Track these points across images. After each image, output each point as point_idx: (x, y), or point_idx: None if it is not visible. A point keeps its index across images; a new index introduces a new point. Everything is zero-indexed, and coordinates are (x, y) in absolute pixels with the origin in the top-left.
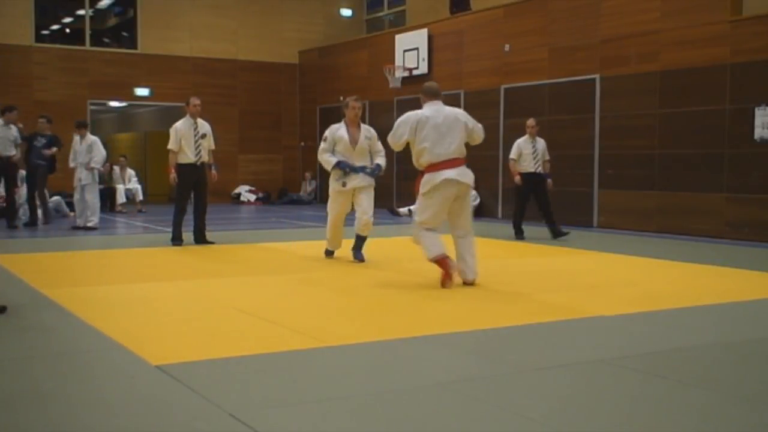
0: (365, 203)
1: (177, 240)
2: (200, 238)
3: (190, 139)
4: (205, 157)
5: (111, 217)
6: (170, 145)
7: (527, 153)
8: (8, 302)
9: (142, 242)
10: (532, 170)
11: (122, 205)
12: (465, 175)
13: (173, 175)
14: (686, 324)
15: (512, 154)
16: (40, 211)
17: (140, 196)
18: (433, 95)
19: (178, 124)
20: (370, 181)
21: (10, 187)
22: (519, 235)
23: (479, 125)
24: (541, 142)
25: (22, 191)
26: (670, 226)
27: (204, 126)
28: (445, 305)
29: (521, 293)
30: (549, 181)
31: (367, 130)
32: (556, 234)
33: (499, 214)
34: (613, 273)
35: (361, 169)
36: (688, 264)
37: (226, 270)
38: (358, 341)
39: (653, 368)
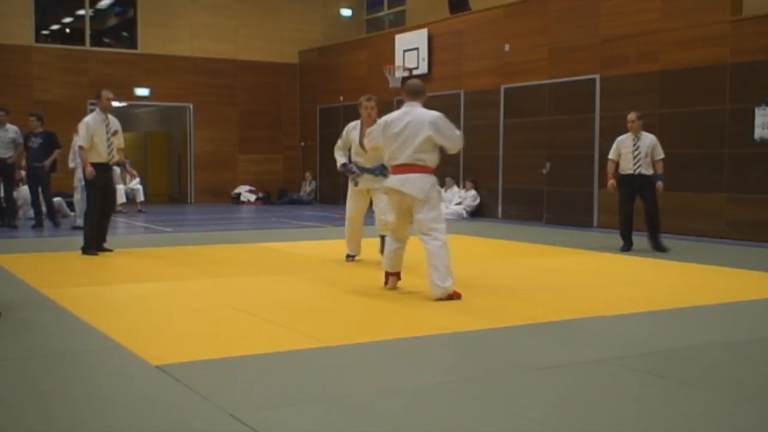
0: (381, 204)
1: (92, 249)
2: (99, 245)
3: (102, 135)
4: (117, 157)
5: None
6: (81, 142)
7: (627, 152)
8: (8, 302)
9: (142, 242)
10: (631, 171)
11: (122, 205)
12: (408, 184)
13: (90, 168)
14: (686, 324)
15: (610, 153)
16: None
17: (141, 197)
18: (412, 95)
19: (88, 119)
20: (382, 182)
21: (8, 188)
22: (625, 246)
23: (456, 133)
24: (646, 139)
25: (23, 192)
26: (670, 226)
27: (115, 122)
28: (445, 305)
29: (521, 293)
30: (659, 183)
31: None
32: (657, 246)
33: (499, 214)
34: (613, 273)
35: (368, 170)
36: (688, 264)
37: (226, 270)
38: (358, 341)
39: (653, 368)
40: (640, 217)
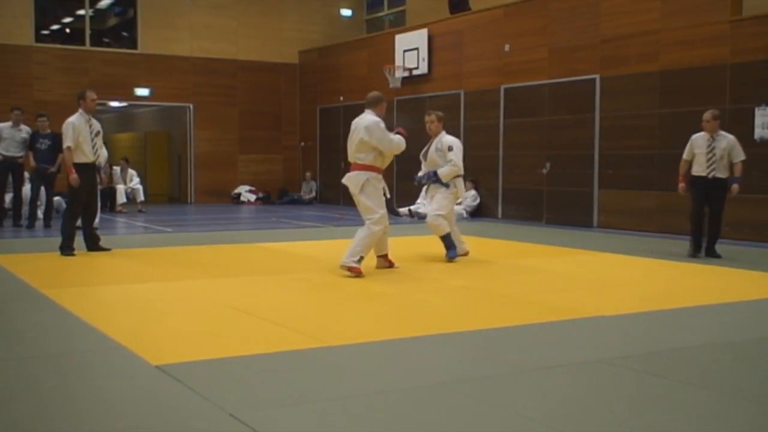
0: (432, 204)
1: (70, 250)
2: (95, 245)
3: (86, 136)
4: (100, 158)
5: (111, 217)
6: (68, 142)
7: (700, 152)
8: (8, 302)
9: (142, 242)
10: (704, 174)
11: (122, 205)
12: (349, 178)
13: (74, 175)
14: (686, 324)
15: (684, 153)
16: (41, 214)
17: (141, 197)
18: (366, 105)
19: (73, 119)
20: (437, 185)
21: (17, 187)
22: (694, 250)
23: (385, 138)
24: (723, 141)
25: (25, 192)
26: (670, 226)
27: (97, 124)
28: (445, 305)
29: (521, 293)
30: (734, 186)
31: (438, 142)
32: (710, 252)
33: (499, 215)
34: (613, 273)
35: (419, 178)
36: (688, 264)
37: (226, 270)
38: (358, 341)
39: (653, 368)
40: (642, 218)
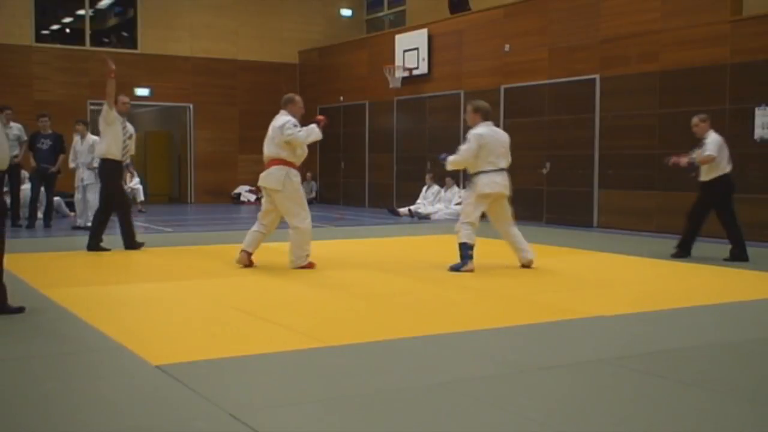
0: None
1: (96, 246)
2: (131, 242)
3: (119, 136)
4: (128, 160)
5: (111, 217)
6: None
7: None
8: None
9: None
10: (702, 178)
11: None
12: (265, 177)
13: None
14: (686, 324)
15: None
16: (41, 214)
17: (141, 197)
18: (281, 105)
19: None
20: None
21: (15, 187)
22: (679, 250)
23: (287, 132)
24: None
25: (25, 191)
26: (670, 226)
27: (130, 127)
28: (445, 305)
29: (521, 293)
30: (683, 160)
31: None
32: (735, 256)
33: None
34: (613, 273)
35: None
36: (688, 264)
37: (226, 270)
38: (358, 341)
39: (653, 368)
40: (642, 218)
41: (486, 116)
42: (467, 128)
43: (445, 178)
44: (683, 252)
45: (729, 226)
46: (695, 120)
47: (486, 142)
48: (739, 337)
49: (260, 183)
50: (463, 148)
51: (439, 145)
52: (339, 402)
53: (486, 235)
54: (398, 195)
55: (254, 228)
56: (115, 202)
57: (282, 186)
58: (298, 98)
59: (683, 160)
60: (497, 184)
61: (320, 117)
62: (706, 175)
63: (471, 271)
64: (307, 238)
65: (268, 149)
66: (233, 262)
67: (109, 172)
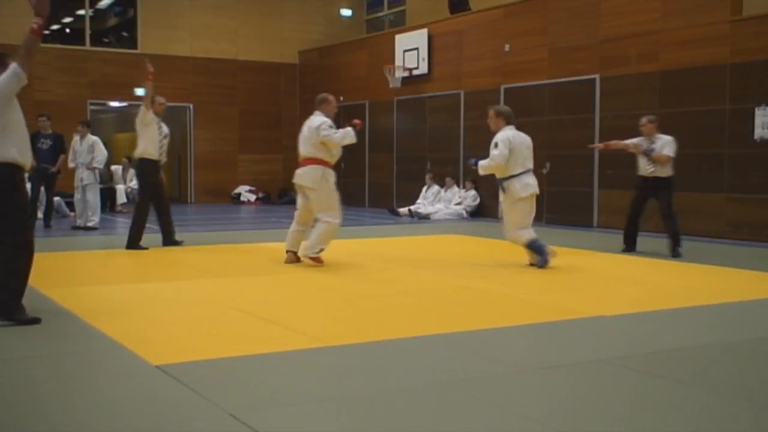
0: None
1: (136, 245)
2: (170, 239)
3: (155, 137)
4: (165, 159)
5: (111, 217)
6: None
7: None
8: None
9: (143, 242)
10: (645, 174)
11: (122, 205)
12: (301, 175)
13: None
14: (686, 324)
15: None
16: (41, 214)
17: None
18: (315, 105)
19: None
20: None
21: None
22: (627, 246)
23: (323, 133)
24: (660, 141)
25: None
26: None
27: (166, 128)
28: (445, 305)
29: (521, 293)
30: (654, 153)
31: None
32: (674, 252)
33: (499, 214)
34: (613, 273)
35: (469, 161)
36: (689, 264)
37: (226, 270)
38: (358, 341)
39: (653, 368)
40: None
41: (509, 120)
42: (468, 128)
43: (446, 178)
44: (629, 247)
45: (674, 220)
46: (644, 120)
47: (514, 145)
48: (739, 337)
49: (295, 180)
50: (494, 153)
51: (439, 145)
52: (339, 402)
53: (486, 235)
54: (398, 195)
55: (293, 228)
56: (152, 202)
57: (318, 185)
58: (331, 98)
59: (640, 148)
60: (530, 185)
61: (356, 121)
62: (664, 172)
63: (554, 254)
64: (331, 235)
65: (305, 148)
66: (283, 262)
67: (147, 171)
